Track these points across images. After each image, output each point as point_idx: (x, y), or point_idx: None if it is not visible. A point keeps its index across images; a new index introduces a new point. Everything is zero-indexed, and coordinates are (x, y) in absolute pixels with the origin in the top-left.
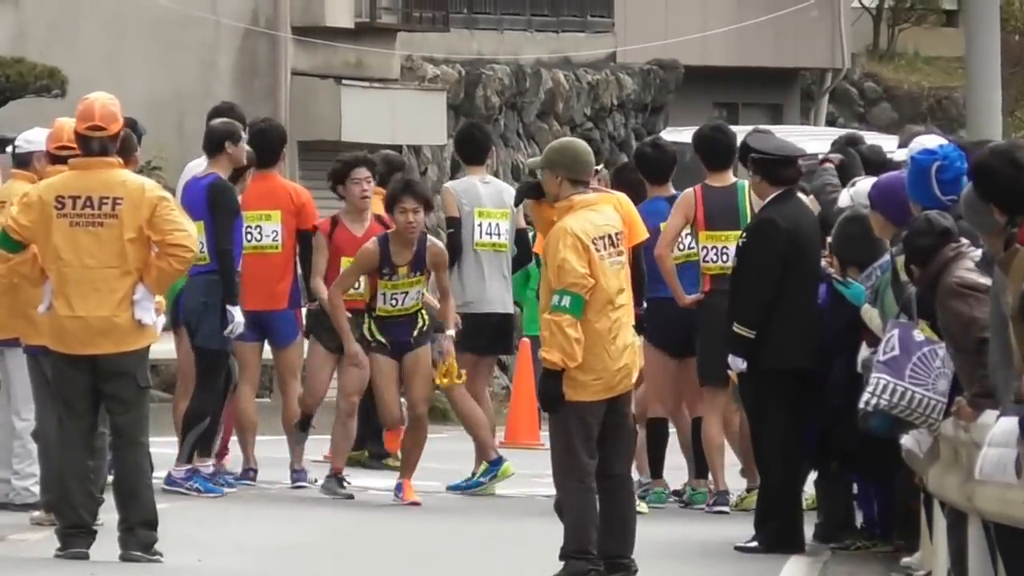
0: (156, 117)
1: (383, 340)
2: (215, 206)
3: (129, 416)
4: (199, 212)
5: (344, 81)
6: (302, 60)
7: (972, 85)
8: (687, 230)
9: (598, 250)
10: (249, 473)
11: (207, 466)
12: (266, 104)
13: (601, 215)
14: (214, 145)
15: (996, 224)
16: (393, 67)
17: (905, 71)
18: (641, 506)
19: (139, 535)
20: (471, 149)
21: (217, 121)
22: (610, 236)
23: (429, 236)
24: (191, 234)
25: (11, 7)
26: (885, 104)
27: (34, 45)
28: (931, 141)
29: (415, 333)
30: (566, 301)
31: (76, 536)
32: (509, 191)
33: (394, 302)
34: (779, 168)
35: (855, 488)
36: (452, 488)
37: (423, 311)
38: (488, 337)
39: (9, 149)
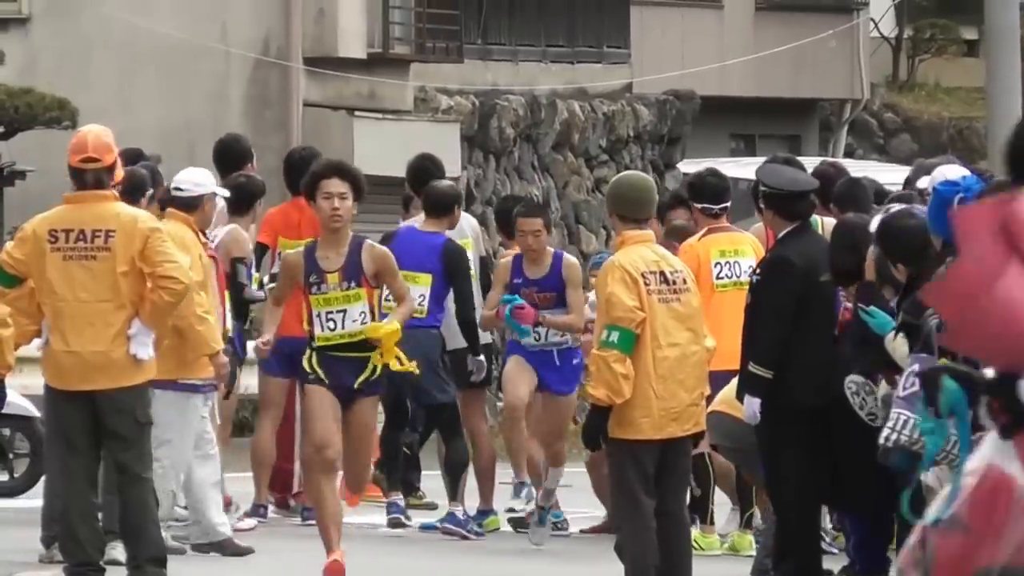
0: (167, 148)
1: (321, 375)
2: (452, 266)
3: (130, 453)
4: (431, 267)
5: (357, 112)
6: (314, 91)
7: (993, 116)
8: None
9: (647, 284)
10: (259, 509)
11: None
12: (278, 135)
13: (655, 252)
14: (443, 207)
15: None
16: (406, 98)
17: (925, 102)
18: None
19: (148, 572)
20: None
21: (444, 184)
22: (663, 273)
23: (367, 239)
24: (180, 265)
25: (20, 37)
26: (905, 135)
27: (43, 76)
28: (952, 171)
29: (361, 379)
30: (614, 337)
31: (84, 574)
32: (470, 220)
33: (331, 324)
34: (792, 202)
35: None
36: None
37: (379, 355)
38: (466, 372)
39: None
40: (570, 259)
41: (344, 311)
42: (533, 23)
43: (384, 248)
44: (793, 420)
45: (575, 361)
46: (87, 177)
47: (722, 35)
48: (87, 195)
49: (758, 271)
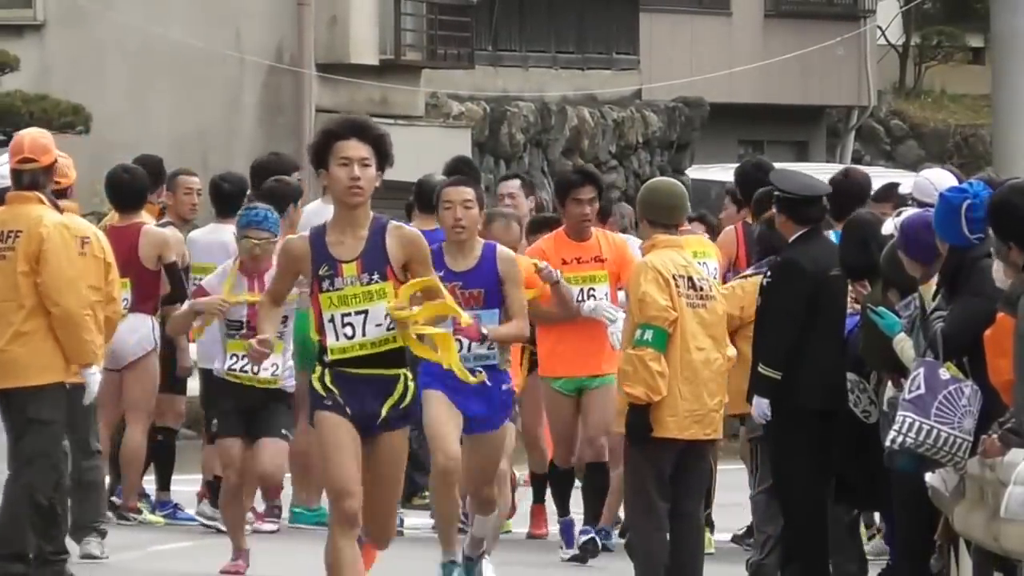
0: (180, 154)
1: (340, 399)
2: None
3: (27, 451)
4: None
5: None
6: (326, 97)
7: (998, 123)
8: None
9: (677, 287)
10: (273, 511)
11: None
12: (290, 141)
13: (684, 258)
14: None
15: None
16: (418, 104)
17: (931, 108)
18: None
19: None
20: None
21: (439, 178)
22: (691, 279)
23: (391, 219)
24: (50, 282)
25: (35, 44)
26: (912, 142)
27: (58, 82)
28: (938, 177)
29: (387, 406)
30: (648, 335)
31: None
32: None
33: (348, 332)
34: (804, 206)
35: None
36: None
37: (408, 374)
38: None
39: None
40: (505, 251)
41: (365, 312)
42: (543, 30)
43: (414, 230)
44: (801, 422)
45: (504, 387)
46: (23, 178)
47: (731, 42)
48: (14, 196)
49: (768, 274)
